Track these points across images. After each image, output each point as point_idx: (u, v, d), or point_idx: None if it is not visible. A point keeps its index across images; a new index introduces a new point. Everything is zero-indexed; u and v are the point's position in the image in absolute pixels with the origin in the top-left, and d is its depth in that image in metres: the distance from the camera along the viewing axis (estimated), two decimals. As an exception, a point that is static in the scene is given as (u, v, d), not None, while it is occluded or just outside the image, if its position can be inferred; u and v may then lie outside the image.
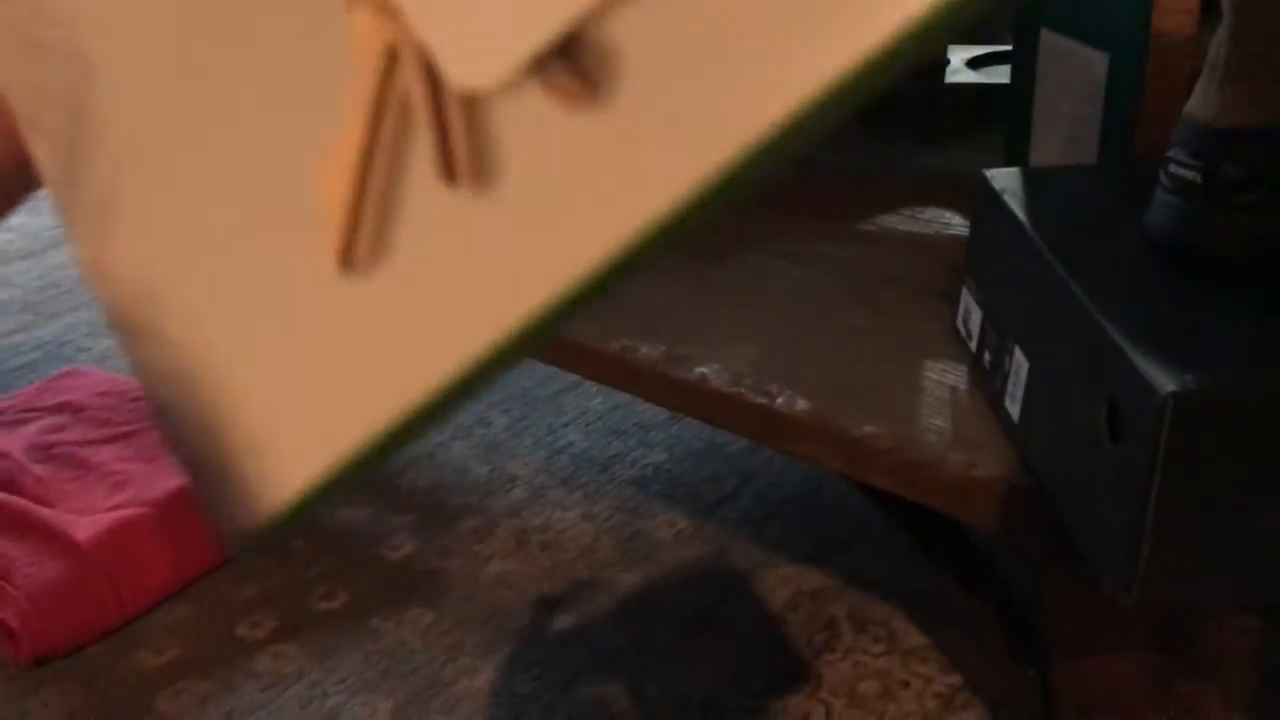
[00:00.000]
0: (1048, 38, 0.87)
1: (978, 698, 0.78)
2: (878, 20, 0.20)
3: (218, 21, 0.28)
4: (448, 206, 0.25)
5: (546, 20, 0.22)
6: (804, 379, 0.73)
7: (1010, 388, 0.63)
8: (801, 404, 0.71)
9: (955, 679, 0.80)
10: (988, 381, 0.67)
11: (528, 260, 0.24)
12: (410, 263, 0.26)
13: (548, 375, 1.16)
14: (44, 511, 0.92)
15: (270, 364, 0.28)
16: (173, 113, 0.29)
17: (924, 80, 1.13)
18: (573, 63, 0.23)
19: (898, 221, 0.94)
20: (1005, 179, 0.68)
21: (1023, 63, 0.91)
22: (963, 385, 0.71)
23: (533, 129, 0.24)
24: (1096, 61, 0.81)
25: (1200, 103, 0.58)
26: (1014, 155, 0.93)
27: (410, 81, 0.25)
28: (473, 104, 0.24)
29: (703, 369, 0.75)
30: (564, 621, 0.87)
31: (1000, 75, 1.10)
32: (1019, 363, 0.62)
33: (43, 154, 0.32)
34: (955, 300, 0.73)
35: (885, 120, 1.04)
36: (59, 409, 1.08)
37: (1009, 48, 1.02)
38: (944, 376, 0.72)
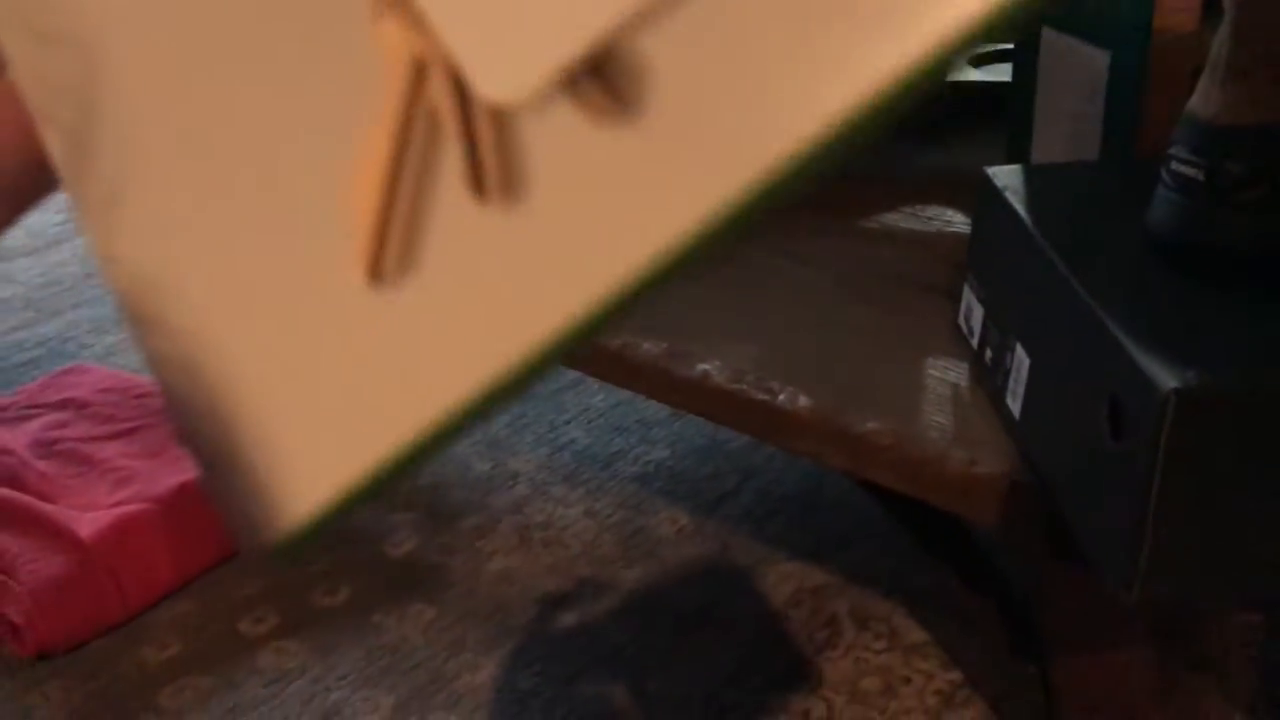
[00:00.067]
0: (1049, 35, 0.87)
1: (979, 694, 0.78)
2: (914, 35, 0.20)
3: (234, 16, 0.28)
4: (476, 220, 0.25)
5: (576, 35, 0.22)
6: (805, 376, 0.73)
7: (1012, 385, 0.64)
8: (803, 401, 0.71)
9: (956, 675, 0.80)
10: (989, 378, 0.68)
11: (556, 275, 0.24)
12: (438, 275, 0.26)
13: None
14: (47, 507, 0.93)
15: (294, 373, 0.28)
16: (186, 106, 0.29)
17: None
18: (603, 77, 0.23)
19: (899, 219, 0.94)
20: (1007, 176, 0.68)
21: (1024, 60, 0.91)
22: (964, 382, 0.71)
23: (562, 143, 0.24)
24: (1098, 59, 0.81)
25: (1202, 100, 0.58)
26: (1015, 153, 0.93)
27: (439, 94, 0.25)
28: (502, 117, 0.24)
29: (704, 366, 0.75)
30: (566, 618, 0.87)
31: (1002, 73, 1.10)
32: (1020, 360, 0.62)
33: (55, 145, 0.32)
34: (957, 297, 0.73)
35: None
36: (62, 405, 1.09)
37: (1010, 45, 1.02)
38: (945, 373, 0.72)
